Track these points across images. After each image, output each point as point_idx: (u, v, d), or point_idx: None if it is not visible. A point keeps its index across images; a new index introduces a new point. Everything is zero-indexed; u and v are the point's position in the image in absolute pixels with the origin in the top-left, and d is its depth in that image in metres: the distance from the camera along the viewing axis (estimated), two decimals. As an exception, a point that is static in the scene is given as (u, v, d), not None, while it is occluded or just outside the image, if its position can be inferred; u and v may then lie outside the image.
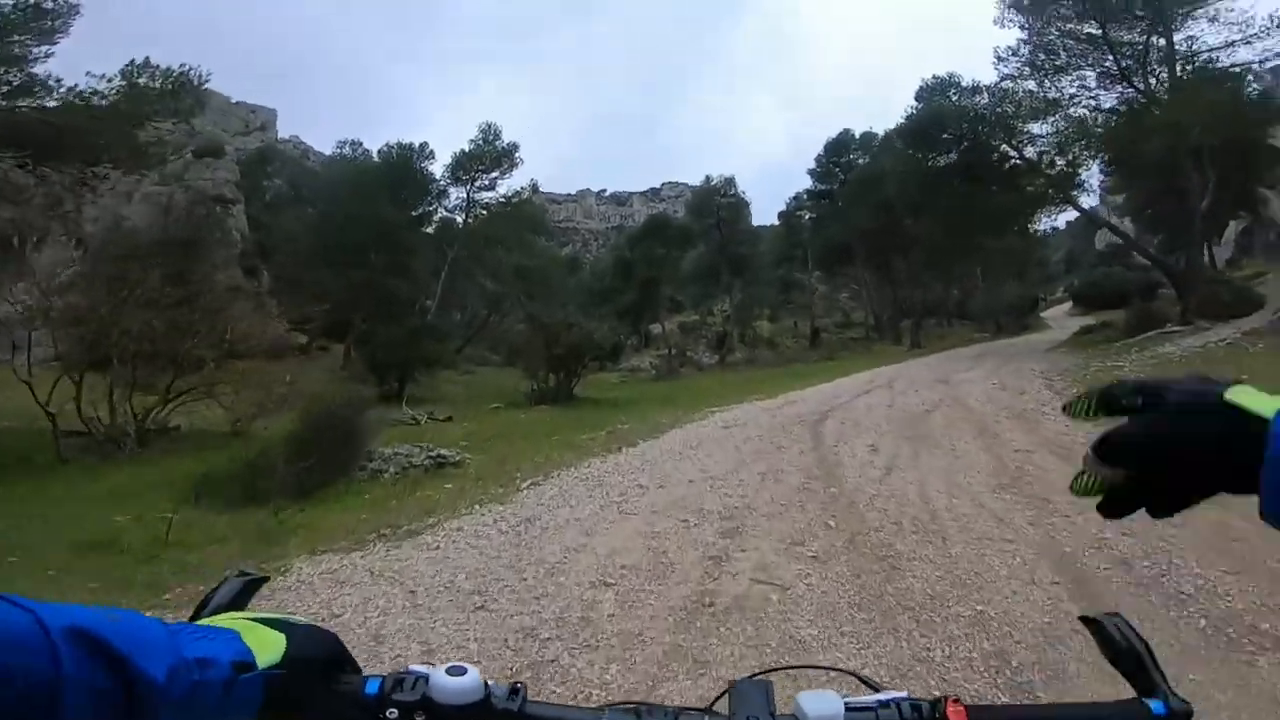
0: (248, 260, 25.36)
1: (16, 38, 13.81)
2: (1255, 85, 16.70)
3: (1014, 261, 31.56)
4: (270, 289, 24.54)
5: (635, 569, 3.59)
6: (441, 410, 13.82)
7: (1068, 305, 40.44)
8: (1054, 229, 31.90)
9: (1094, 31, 16.46)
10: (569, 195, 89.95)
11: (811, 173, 36.70)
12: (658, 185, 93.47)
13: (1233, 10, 15.32)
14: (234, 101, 51.47)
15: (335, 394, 8.69)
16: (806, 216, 38.17)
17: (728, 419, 9.77)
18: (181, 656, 0.39)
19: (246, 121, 54.03)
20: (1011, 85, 18.07)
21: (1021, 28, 17.35)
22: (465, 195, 28.23)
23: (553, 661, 2.69)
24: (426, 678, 0.47)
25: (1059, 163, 18.48)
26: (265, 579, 0.59)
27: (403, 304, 23.29)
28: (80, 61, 15.15)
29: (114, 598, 3.63)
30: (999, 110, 18.35)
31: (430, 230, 28.74)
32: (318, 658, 0.48)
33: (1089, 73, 17.24)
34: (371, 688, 0.48)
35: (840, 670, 0.74)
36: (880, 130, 31.49)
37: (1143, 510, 0.44)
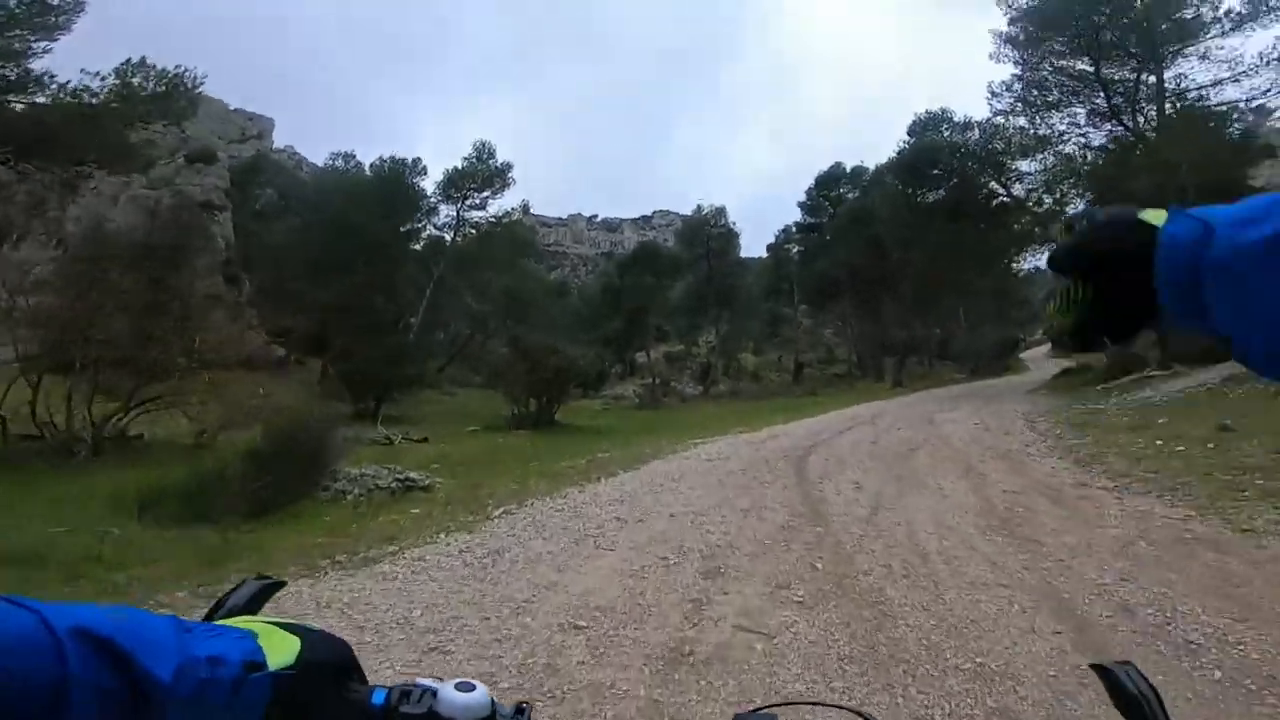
0: (231, 269, 24.87)
1: (18, 32, 13.60)
2: (1238, 124, 17.03)
3: (997, 301, 32.03)
4: (251, 299, 24.06)
5: (610, 611, 3.32)
6: (418, 431, 13.46)
7: (1047, 347, 41.00)
8: (1037, 269, 32.50)
9: (1087, 68, 16.94)
10: (560, 219, 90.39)
11: (801, 205, 37.20)
12: (649, 213, 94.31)
13: (1223, 48, 15.84)
14: (232, 109, 51.29)
15: (304, 409, 8.39)
16: (795, 250, 38.58)
17: (711, 451, 9.58)
18: (189, 655, 0.40)
19: (243, 129, 53.78)
20: (1003, 121, 18.54)
21: (1016, 63, 17.91)
22: (455, 213, 28.13)
23: (511, 717, 2.40)
24: (434, 691, 0.48)
25: (1046, 200, 18.85)
26: (282, 584, 0.59)
27: (385, 321, 22.91)
28: (81, 61, 14.97)
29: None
30: (989, 146, 18.75)
31: (418, 247, 28.51)
32: (329, 663, 0.48)
33: (1079, 110, 17.73)
34: (378, 698, 0.48)
35: (846, 709, 0.70)
36: (871, 165, 32.10)
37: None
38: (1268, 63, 15.27)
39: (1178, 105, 16.74)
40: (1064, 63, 17.12)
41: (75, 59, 14.83)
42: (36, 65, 13.85)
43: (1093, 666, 0.53)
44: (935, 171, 19.70)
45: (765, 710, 0.56)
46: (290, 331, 22.42)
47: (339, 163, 32.54)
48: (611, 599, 3.47)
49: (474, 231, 28.28)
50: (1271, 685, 2.43)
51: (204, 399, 10.81)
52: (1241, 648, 2.74)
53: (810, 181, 36.70)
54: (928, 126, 20.51)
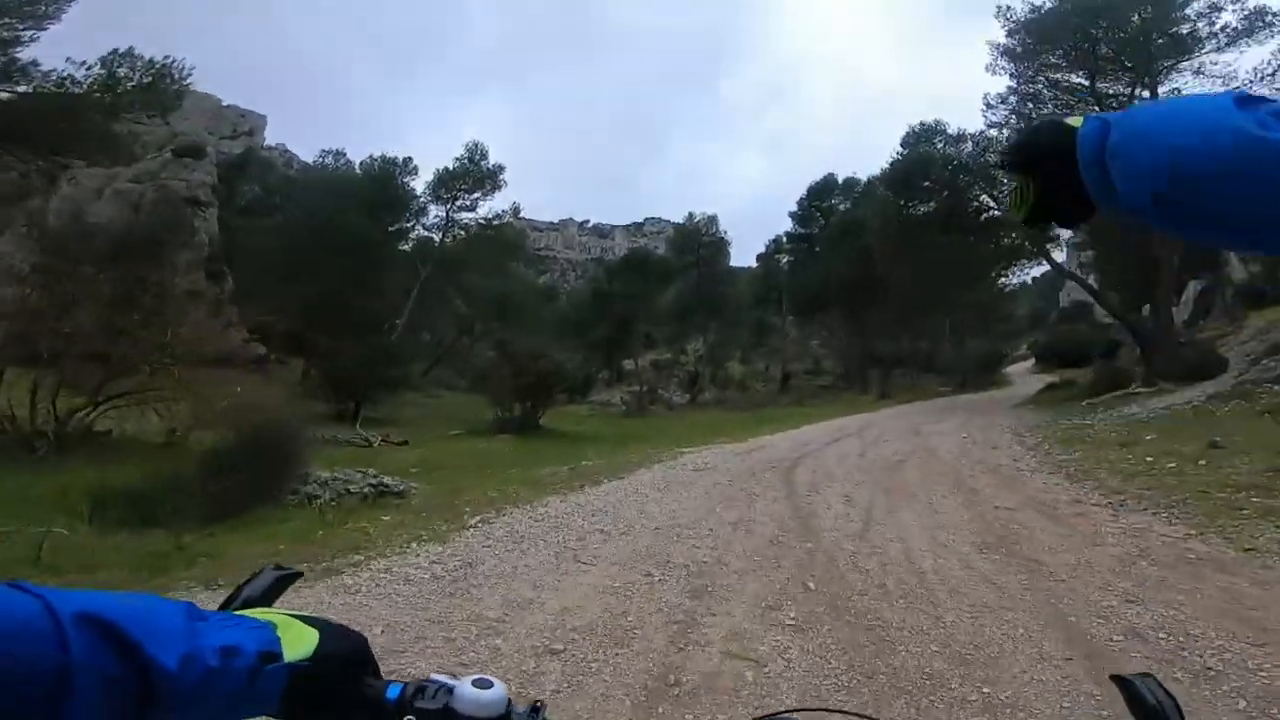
0: (214, 265, 24.35)
1: (6, 20, 13.25)
2: None
3: (983, 315, 32.23)
4: (233, 296, 23.55)
5: (589, 633, 3.06)
6: (398, 433, 13.14)
7: (1030, 362, 41.32)
8: (1023, 283, 32.83)
9: (1082, 82, 17.04)
10: (551, 223, 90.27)
11: (792, 215, 37.20)
12: (640, 220, 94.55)
13: (1217, 64, 15.98)
14: (225, 105, 50.70)
15: (275, 408, 8.08)
16: (784, 260, 38.60)
17: (698, 461, 9.40)
18: (198, 644, 0.40)
19: (235, 125, 53.17)
20: (997, 134, 18.56)
21: (1011, 76, 17.95)
22: (445, 214, 27.78)
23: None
24: (450, 688, 0.47)
25: None
26: (299, 574, 0.59)
27: (370, 321, 22.48)
28: (73, 53, 14.60)
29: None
30: (982, 159, 18.78)
31: (406, 247, 28.11)
32: (346, 656, 0.48)
33: (1073, 123, 17.84)
34: (393, 693, 0.48)
35: (864, 716, 0.69)
36: (864, 176, 32.16)
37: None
38: (1262, 78, 15.38)
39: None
40: (1059, 76, 17.21)
41: (67, 51, 14.50)
42: (24, 54, 13.52)
43: (1113, 678, 0.54)
44: (927, 184, 19.69)
45: (783, 715, 0.57)
46: (273, 330, 21.94)
47: (328, 160, 32.10)
48: (591, 619, 3.21)
49: (463, 233, 27.93)
50: (1301, 716, 2.27)
51: (175, 395, 10.42)
52: (1263, 674, 2.61)
53: (802, 192, 36.78)
54: (921, 138, 20.49)
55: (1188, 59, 16.03)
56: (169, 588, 3.70)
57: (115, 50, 15.11)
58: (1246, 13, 14.95)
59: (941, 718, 2.37)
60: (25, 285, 10.54)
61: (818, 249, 34.45)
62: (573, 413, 20.39)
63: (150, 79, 15.33)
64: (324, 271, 21.46)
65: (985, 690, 2.55)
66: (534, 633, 3.08)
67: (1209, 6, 15.29)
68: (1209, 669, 2.67)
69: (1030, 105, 17.77)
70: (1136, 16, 15.38)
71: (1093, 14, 15.64)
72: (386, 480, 6.48)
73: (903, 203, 20.79)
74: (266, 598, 0.54)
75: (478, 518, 5.60)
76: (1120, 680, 0.52)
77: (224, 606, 0.51)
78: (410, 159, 27.74)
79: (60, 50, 14.25)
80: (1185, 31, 15.32)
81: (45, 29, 13.71)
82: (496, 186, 27.50)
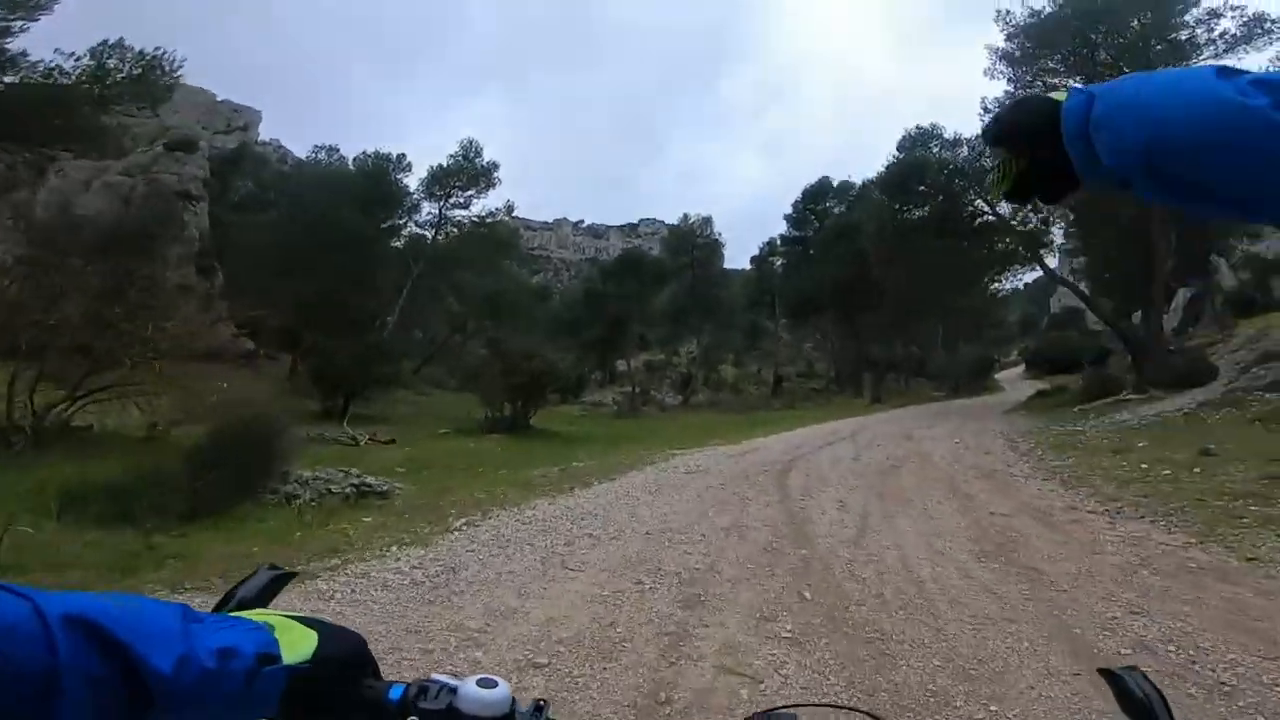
0: (205, 260, 24.07)
1: None
2: None
3: (976, 320, 32.31)
4: (223, 291, 23.25)
5: (575, 645, 2.91)
6: (386, 432, 12.91)
7: (1021, 368, 41.49)
8: (1015, 289, 32.94)
9: (1079, 87, 17.08)
10: (545, 223, 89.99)
11: (787, 218, 37.16)
12: (635, 221, 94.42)
13: None
14: (220, 100, 50.33)
15: (263, 404, 7.90)
16: (778, 263, 38.55)
17: (690, 464, 9.29)
18: (193, 646, 0.39)
19: (229, 120, 52.82)
20: None
21: (1009, 80, 17.91)
22: (438, 211, 27.52)
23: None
24: (454, 689, 0.47)
25: (1033, 219, 18.91)
26: (294, 574, 0.58)
27: (360, 317, 22.21)
28: (66, 46, 14.36)
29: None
30: (978, 164, 18.74)
31: (399, 244, 27.83)
32: (345, 658, 0.47)
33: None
34: (395, 694, 0.47)
35: (860, 711, 0.69)
36: (861, 179, 32.12)
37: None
38: None
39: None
40: (1057, 81, 17.14)
41: (62, 47, 14.25)
42: (13, 45, 13.27)
43: (1101, 671, 0.54)
44: (922, 188, 19.65)
45: (782, 710, 0.56)
46: (263, 325, 21.65)
47: (322, 156, 31.73)
48: (578, 630, 3.06)
49: (456, 230, 27.68)
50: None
51: (156, 390, 10.19)
52: (1279, 689, 2.52)
53: (798, 194, 36.75)
54: (917, 142, 20.43)
55: (1186, 65, 16.10)
56: (134, 590, 3.51)
57: (105, 41, 14.86)
58: (1245, 19, 15.01)
59: (946, 739, 2.25)
60: (7, 277, 10.30)
61: (811, 252, 34.44)
62: (565, 413, 20.22)
63: (140, 71, 15.10)
64: (316, 267, 21.19)
65: (993, 708, 2.44)
66: (517, 644, 2.92)
67: (1208, 13, 15.37)
68: (1223, 684, 2.58)
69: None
70: (1136, 22, 15.38)
71: (1092, 19, 15.64)
72: (370, 480, 6.28)
73: (897, 207, 20.76)
74: (261, 599, 0.53)
75: (463, 520, 5.43)
76: (1108, 674, 0.53)
77: (218, 608, 0.51)
78: (404, 155, 27.47)
79: (56, 45, 14.03)
80: (1184, 38, 15.34)
81: (37, 19, 13.47)
82: (490, 184, 27.29)
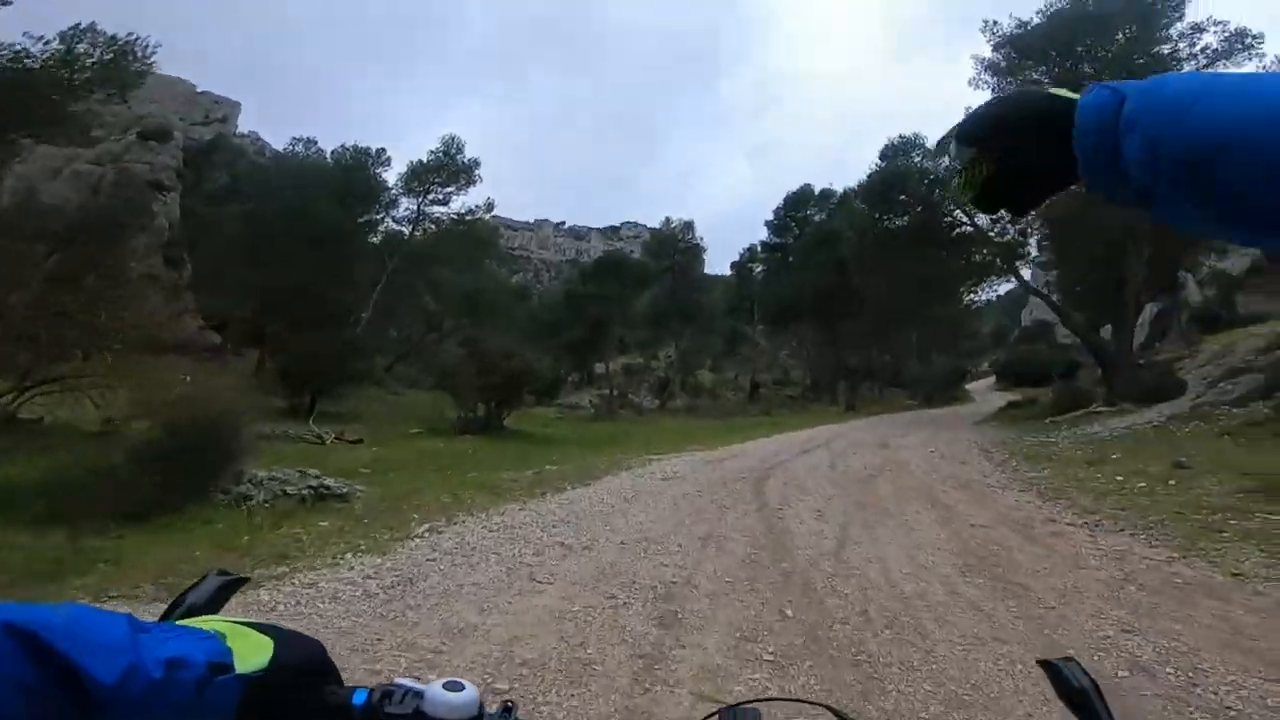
0: (173, 250, 23.27)
1: None
2: None
3: (951, 330, 32.71)
4: (190, 283, 22.49)
5: (540, 669, 2.67)
6: (355, 431, 12.48)
7: (991, 379, 42.10)
8: (989, 301, 33.41)
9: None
10: (526, 223, 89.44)
11: (769, 225, 37.19)
12: (617, 224, 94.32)
13: None
14: (199, 91, 49.15)
15: (227, 400, 7.49)
16: (759, 269, 38.61)
17: (666, 469, 9.10)
18: (140, 656, 0.38)
19: (207, 111, 51.68)
20: None
21: (993, 90, 18.05)
22: (416, 207, 26.96)
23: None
24: (420, 692, 0.46)
25: (1011, 230, 19.08)
26: (245, 580, 0.57)
27: (333, 313, 21.60)
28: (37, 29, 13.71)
29: None
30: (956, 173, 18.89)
31: (375, 240, 27.21)
32: (303, 665, 0.46)
33: (1050, 140, 18.10)
34: (359, 699, 0.46)
35: (824, 706, 0.68)
36: (845, 187, 32.28)
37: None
38: None
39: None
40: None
41: (32, 28, 13.62)
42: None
43: (1039, 662, 0.55)
44: (903, 197, 19.75)
45: (749, 705, 0.57)
46: (232, 319, 20.96)
47: (299, 148, 30.89)
48: (544, 651, 2.81)
49: (434, 227, 27.15)
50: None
51: (110, 382, 9.67)
52: None
53: (779, 201, 36.82)
54: (899, 152, 20.55)
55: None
56: (56, 598, 3.18)
57: (76, 25, 14.23)
58: (1227, 34, 15.34)
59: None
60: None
61: (792, 259, 34.54)
62: (540, 415, 19.91)
63: (111, 56, 14.50)
64: (289, 260, 20.54)
65: (987, 741, 2.27)
66: (475, 666, 2.66)
67: (1192, 27, 15.69)
68: (1228, 708, 2.47)
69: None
70: (1121, 35, 15.62)
71: (1078, 31, 15.86)
72: (329, 482, 5.92)
73: (878, 216, 20.86)
74: (212, 605, 0.51)
75: (426, 526, 5.14)
76: (1046, 665, 0.54)
77: (166, 615, 0.49)
78: (384, 150, 26.87)
79: (24, 29, 13.40)
80: (1167, 52, 15.60)
81: (10, 3, 12.82)
82: (471, 181, 26.79)
